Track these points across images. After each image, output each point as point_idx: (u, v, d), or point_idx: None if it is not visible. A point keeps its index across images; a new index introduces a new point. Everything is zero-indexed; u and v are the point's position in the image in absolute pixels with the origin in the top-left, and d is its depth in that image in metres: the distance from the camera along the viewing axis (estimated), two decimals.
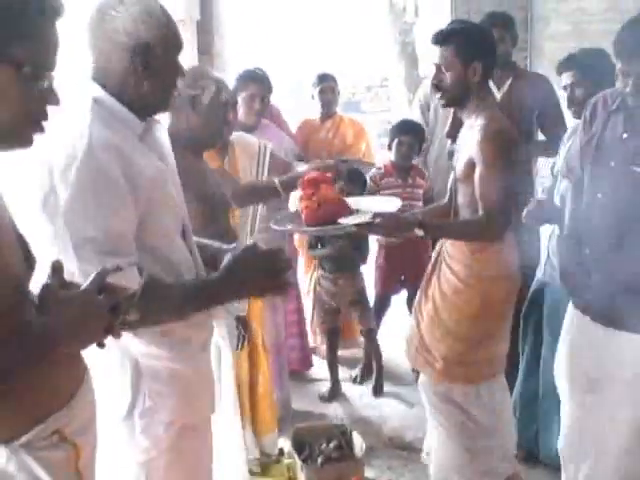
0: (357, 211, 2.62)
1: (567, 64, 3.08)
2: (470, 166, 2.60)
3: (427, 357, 2.77)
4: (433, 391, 2.82)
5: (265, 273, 1.70)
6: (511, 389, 3.48)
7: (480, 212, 2.59)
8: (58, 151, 1.57)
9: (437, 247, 2.90)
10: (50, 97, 1.28)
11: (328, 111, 4.56)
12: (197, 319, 1.91)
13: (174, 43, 1.77)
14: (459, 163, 2.70)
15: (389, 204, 2.75)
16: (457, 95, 2.66)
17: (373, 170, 4.19)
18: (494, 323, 2.75)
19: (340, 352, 4.40)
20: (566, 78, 3.07)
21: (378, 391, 4.20)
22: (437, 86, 2.69)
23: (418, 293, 2.91)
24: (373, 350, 4.27)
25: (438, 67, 2.66)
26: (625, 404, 2.30)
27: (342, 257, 4.03)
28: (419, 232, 2.61)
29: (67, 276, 1.51)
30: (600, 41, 4.07)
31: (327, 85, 4.51)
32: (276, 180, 3.04)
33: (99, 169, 1.59)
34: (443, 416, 2.81)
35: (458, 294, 2.70)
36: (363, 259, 4.15)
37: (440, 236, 2.85)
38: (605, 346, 2.33)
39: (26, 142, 1.30)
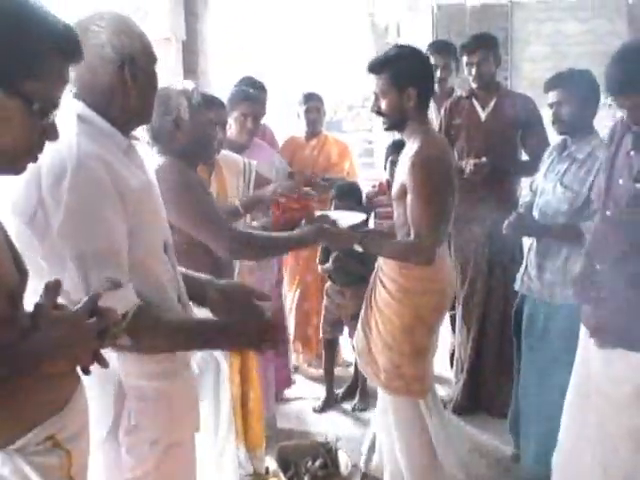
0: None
1: (554, 82, 3.13)
2: (402, 189, 2.71)
3: (374, 368, 2.90)
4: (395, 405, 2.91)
5: (259, 335, 1.85)
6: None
7: (412, 236, 2.68)
8: (46, 166, 1.56)
9: (377, 262, 3.02)
10: (51, 133, 1.32)
11: (313, 130, 4.59)
12: None
13: (153, 55, 1.82)
14: (394, 185, 2.82)
15: (354, 217, 3.02)
16: (395, 120, 2.77)
17: (369, 188, 4.26)
18: (426, 336, 2.83)
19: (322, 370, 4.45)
20: (552, 96, 3.12)
21: (359, 409, 4.20)
22: (377, 112, 2.80)
23: (363, 306, 3.02)
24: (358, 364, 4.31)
25: (375, 95, 2.77)
26: (618, 420, 2.34)
27: (349, 271, 4.08)
28: (358, 248, 2.78)
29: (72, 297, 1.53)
30: (577, 62, 4.16)
31: (313, 105, 4.54)
32: (237, 202, 3.19)
33: (90, 181, 1.59)
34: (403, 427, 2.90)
35: (390, 307, 2.82)
36: (368, 271, 4.17)
37: (377, 254, 2.95)
38: (601, 361, 2.38)
39: (19, 171, 1.34)
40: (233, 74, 4.63)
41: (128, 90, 1.73)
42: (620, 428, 2.32)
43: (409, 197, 2.66)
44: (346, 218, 2.97)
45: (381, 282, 2.88)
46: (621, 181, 2.32)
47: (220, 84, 4.88)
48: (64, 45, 1.30)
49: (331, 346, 4.34)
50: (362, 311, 3.02)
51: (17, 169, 1.33)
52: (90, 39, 1.68)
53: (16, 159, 1.30)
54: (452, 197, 2.75)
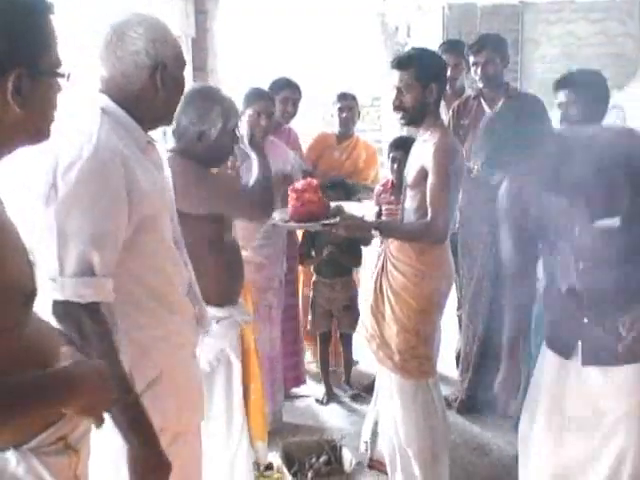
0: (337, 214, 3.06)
1: (563, 83, 3.15)
2: (421, 174, 2.86)
3: (386, 352, 3.03)
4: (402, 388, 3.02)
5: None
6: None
7: (428, 216, 2.83)
8: (65, 150, 1.64)
9: (380, 251, 3.16)
10: (60, 90, 1.36)
11: (346, 131, 4.51)
12: (190, 324, 1.97)
13: (183, 61, 1.89)
14: (410, 171, 2.97)
15: (366, 209, 3.20)
16: (417, 114, 2.92)
17: (377, 187, 4.30)
18: (437, 316, 3.05)
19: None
20: (561, 96, 3.15)
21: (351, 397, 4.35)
22: (398, 107, 2.92)
23: (372, 294, 3.13)
24: (347, 354, 4.47)
25: (398, 89, 2.89)
26: (617, 437, 2.28)
27: (337, 262, 4.19)
28: (376, 233, 2.98)
29: (49, 269, 1.62)
30: (588, 64, 4.17)
31: (346, 104, 4.47)
32: None
33: (101, 172, 1.64)
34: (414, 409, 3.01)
35: (407, 291, 2.97)
36: (357, 262, 4.30)
37: (393, 237, 3.05)
38: (598, 384, 2.31)
39: (48, 136, 1.37)
40: (242, 72, 4.64)
41: (156, 95, 1.80)
42: (630, 436, 2.26)
43: (430, 179, 2.81)
44: (359, 210, 3.14)
45: (395, 268, 3.00)
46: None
47: (229, 82, 4.89)
48: (50, 6, 1.32)
49: (326, 338, 4.39)
50: (371, 298, 3.12)
51: (45, 136, 1.37)
52: (127, 44, 1.76)
53: (45, 127, 1.35)
54: (460, 186, 2.97)
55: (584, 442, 2.37)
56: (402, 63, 2.90)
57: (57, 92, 1.34)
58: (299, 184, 3.23)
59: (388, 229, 3.05)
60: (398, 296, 2.99)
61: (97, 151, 1.65)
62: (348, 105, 4.50)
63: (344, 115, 4.48)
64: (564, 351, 2.39)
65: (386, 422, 3.18)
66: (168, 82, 1.81)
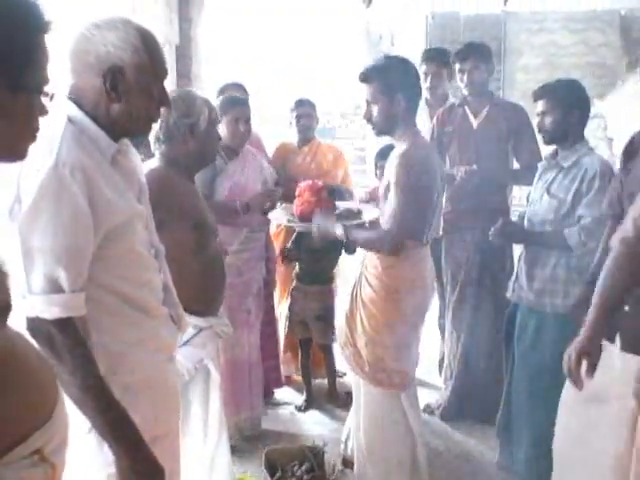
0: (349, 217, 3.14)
1: (541, 92, 3.18)
2: (387, 185, 2.88)
3: (358, 361, 3.01)
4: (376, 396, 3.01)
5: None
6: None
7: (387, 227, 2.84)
8: (28, 163, 1.56)
9: (361, 260, 3.15)
10: (43, 110, 1.33)
11: (305, 137, 4.53)
12: (167, 327, 1.96)
13: (150, 70, 1.76)
14: (382, 183, 3.00)
15: (373, 212, 3.22)
16: (386, 125, 2.91)
17: (362, 194, 4.31)
18: (408, 332, 2.98)
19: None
20: (539, 106, 3.17)
21: (336, 399, 4.33)
22: (369, 119, 2.93)
23: (348, 302, 3.13)
24: (329, 362, 4.40)
25: (367, 102, 2.90)
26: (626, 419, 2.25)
27: (315, 270, 4.18)
28: (342, 236, 2.97)
29: (20, 285, 1.60)
30: (570, 73, 4.21)
31: (303, 111, 4.50)
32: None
33: (60, 187, 1.61)
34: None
35: (374, 304, 2.96)
36: (331, 266, 4.27)
37: (356, 243, 3.07)
38: (618, 365, 2.27)
39: (23, 156, 1.35)
40: (226, 79, 4.64)
41: (109, 101, 1.72)
42: None
43: (391, 191, 2.82)
44: (367, 211, 3.22)
45: (366, 280, 3.00)
46: None
47: (213, 89, 4.89)
48: (46, 25, 1.30)
49: (305, 345, 4.36)
50: (347, 307, 3.12)
51: (24, 154, 1.34)
52: (80, 44, 1.71)
53: (23, 145, 1.32)
54: (430, 198, 2.87)
55: (602, 417, 2.33)
56: (366, 77, 2.87)
57: (38, 110, 1.31)
58: (304, 184, 3.29)
59: (352, 233, 2.98)
60: (366, 308, 2.98)
61: (56, 166, 1.61)
62: (306, 112, 4.50)
63: (302, 122, 4.50)
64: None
65: (355, 427, 3.18)
66: (124, 90, 1.72)
